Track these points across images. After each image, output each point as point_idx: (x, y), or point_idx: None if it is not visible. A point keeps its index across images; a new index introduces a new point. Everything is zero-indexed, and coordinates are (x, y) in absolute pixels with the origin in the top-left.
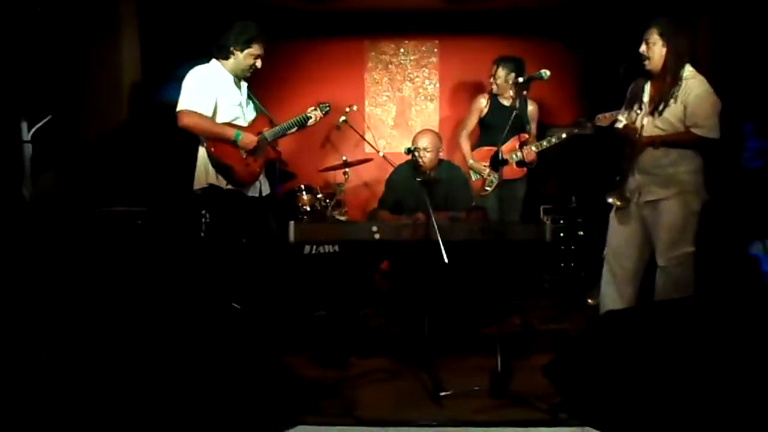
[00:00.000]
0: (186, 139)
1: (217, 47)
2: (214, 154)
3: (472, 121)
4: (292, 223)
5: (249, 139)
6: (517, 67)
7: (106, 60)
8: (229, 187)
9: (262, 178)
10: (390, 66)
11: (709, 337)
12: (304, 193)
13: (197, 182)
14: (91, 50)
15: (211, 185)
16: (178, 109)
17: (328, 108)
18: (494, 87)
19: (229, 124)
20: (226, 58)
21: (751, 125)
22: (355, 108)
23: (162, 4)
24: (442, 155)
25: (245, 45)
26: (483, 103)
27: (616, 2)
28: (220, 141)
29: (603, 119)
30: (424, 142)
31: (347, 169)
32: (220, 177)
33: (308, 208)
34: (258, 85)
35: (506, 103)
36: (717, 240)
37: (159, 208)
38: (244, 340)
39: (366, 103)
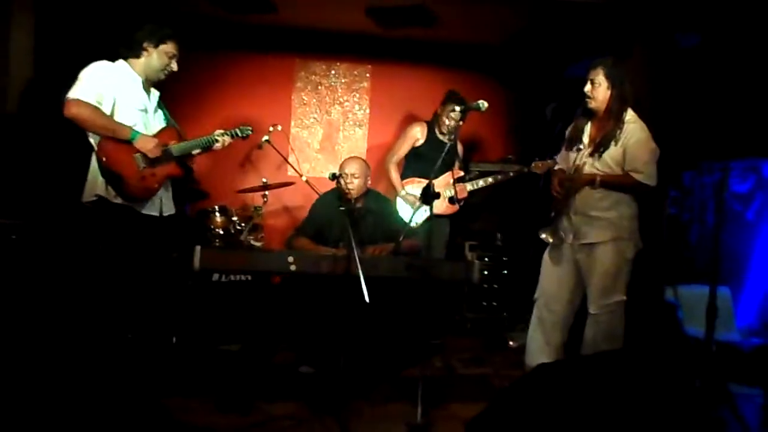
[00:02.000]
0: (78, 143)
1: (128, 45)
2: (105, 162)
3: (404, 149)
4: (198, 248)
5: (151, 144)
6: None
7: None
8: (120, 200)
9: (164, 196)
10: (319, 87)
11: (640, 394)
12: (217, 214)
13: (86, 193)
14: None
15: (99, 197)
16: (68, 96)
17: (249, 131)
18: (449, 123)
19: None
20: (138, 56)
21: (669, 174)
22: (279, 128)
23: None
24: (368, 183)
25: (160, 42)
26: (419, 132)
27: (547, 45)
28: (112, 143)
29: (539, 167)
30: (351, 168)
31: (267, 192)
32: (109, 188)
33: (221, 231)
34: (179, 96)
35: (442, 137)
36: (640, 287)
37: (39, 221)
38: (113, 374)
39: (292, 123)
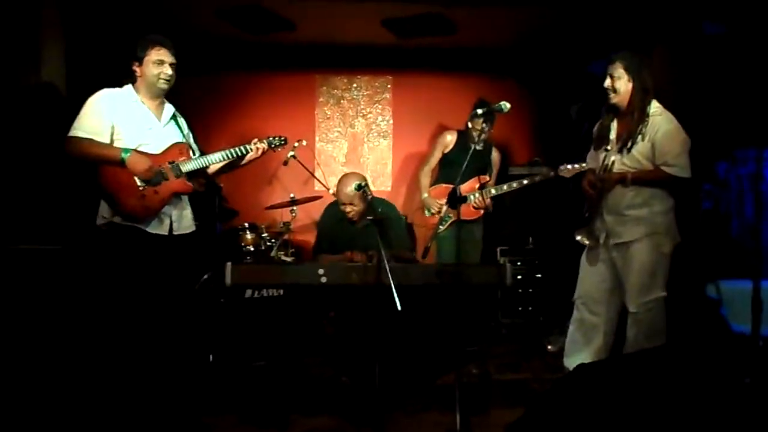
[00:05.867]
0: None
1: (125, 73)
2: (101, 181)
3: (436, 157)
4: (229, 264)
5: (141, 166)
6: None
7: (24, 79)
8: (119, 220)
9: (174, 214)
10: (342, 101)
11: (687, 392)
12: (247, 231)
13: (98, 216)
14: (9, 70)
15: (106, 219)
16: (68, 134)
17: (282, 141)
18: (475, 129)
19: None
20: (135, 80)
21: (702, 167)
22: (304, 143)
23: (93, 26)
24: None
25: (142, 54)
26: (449, 138)
27: (568, 43)
28: (112, 166)
29: (567, 171)
30: (346, 198)
31: (295, 207)
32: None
33: (252, 248)
34: (203, 118)
35: (472, 144)
36: (680, 282)
37: (73, 246)
38: (155, 395)
39: (316, 138)
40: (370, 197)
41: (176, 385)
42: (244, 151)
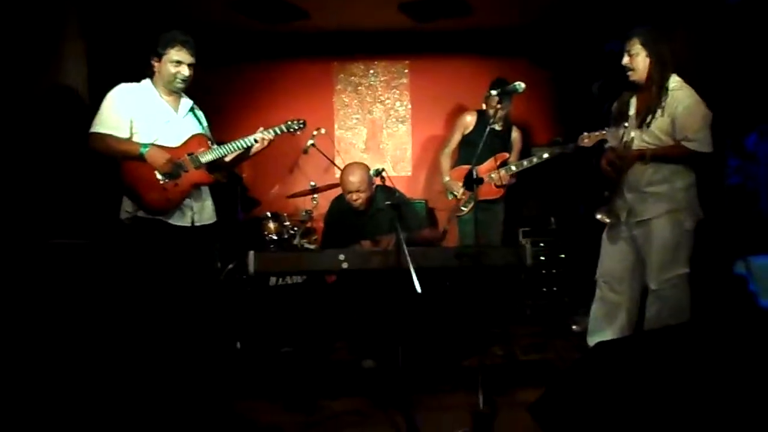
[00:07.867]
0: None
1: (145, 64)
2: (122, 177)
3: (456, 139)
4: (251, 252)
5: (160, 159)
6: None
7: (47, 78)
8: (143, 214)
9: (196, 205)
10: (360, 88)
11: (709, 369)
12: (270, 220)
13: (121, 210)
14: (31, 70)
15: (130, 213)
16: (89, 131)
17: (300, 125)
18: (491, 110)
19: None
20: (152, 74)
21: (729, 141)
22: (323, 131)
23: (111, 23)
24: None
25: (162, 52)
26: (468, 119)
27: (585, 20)
28: (132, 161)
29: (587, 139)
30: (353, 185)
31: (316, 195)
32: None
33: (275, 237)
34: (222, 109)
35: (492, 124)
36: (706, 260)
37: (100, 241)
38: (185, 383)
39: (335, 126)
40: (374, 185)
41: (206, 373)
42: (253, 142)
